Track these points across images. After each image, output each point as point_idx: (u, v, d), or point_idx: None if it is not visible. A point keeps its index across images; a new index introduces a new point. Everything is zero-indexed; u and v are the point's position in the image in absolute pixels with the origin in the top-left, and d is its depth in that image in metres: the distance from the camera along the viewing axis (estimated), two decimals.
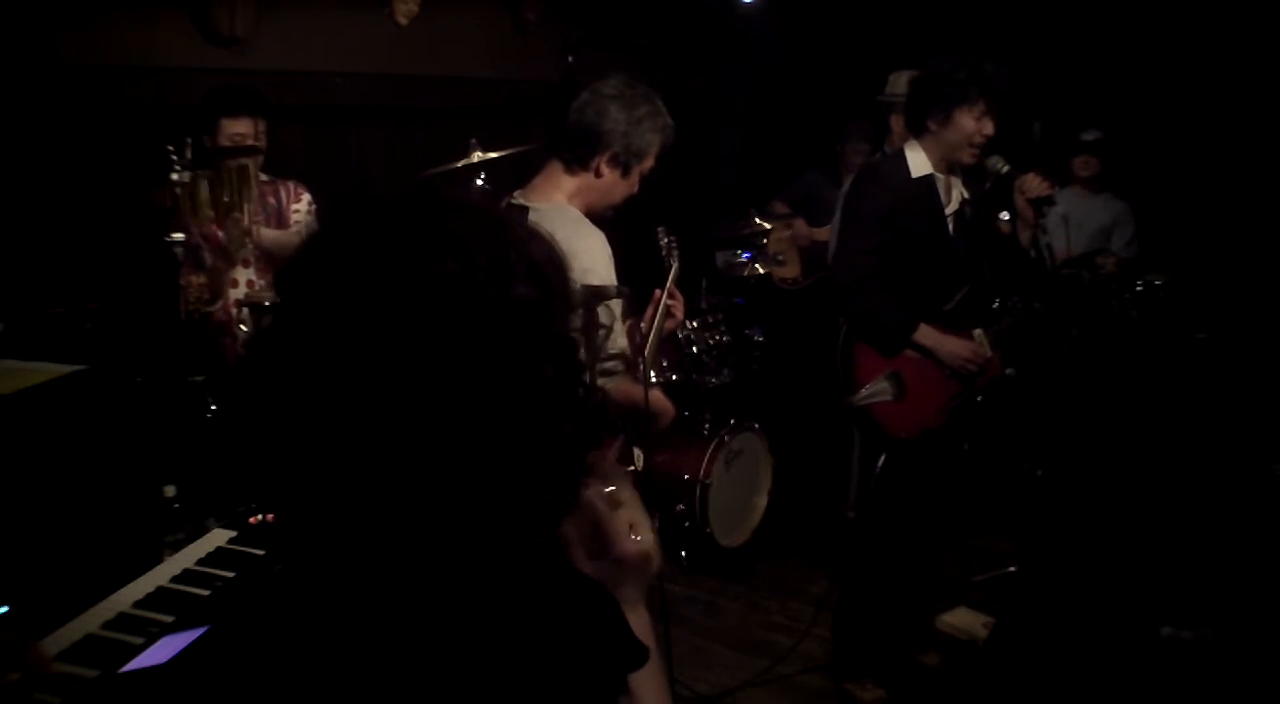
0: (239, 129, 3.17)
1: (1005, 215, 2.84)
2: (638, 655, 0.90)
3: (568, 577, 0.90)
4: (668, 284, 2.64)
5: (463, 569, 0.81)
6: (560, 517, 0.87)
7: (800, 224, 4.68)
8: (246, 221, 3.09)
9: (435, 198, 0.84)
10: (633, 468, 2.80)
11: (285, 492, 0.80)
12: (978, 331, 2.82)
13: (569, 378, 0.82)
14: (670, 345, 3.85)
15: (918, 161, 2.77)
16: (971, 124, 2.66)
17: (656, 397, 2.50)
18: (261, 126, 3.25)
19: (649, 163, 2.31)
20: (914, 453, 2.81)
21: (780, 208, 4.76)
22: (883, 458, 2.84)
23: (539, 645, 0.81)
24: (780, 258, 4.71)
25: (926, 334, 2.74)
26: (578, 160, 2.28)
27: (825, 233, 4.68)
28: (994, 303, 2.88)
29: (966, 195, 2.84)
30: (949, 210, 2.81)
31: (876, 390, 2.75)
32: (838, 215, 3.09)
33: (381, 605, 0.79)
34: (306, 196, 3.46)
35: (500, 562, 0.83)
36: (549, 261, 0.83)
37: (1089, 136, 4.22)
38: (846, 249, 2.80)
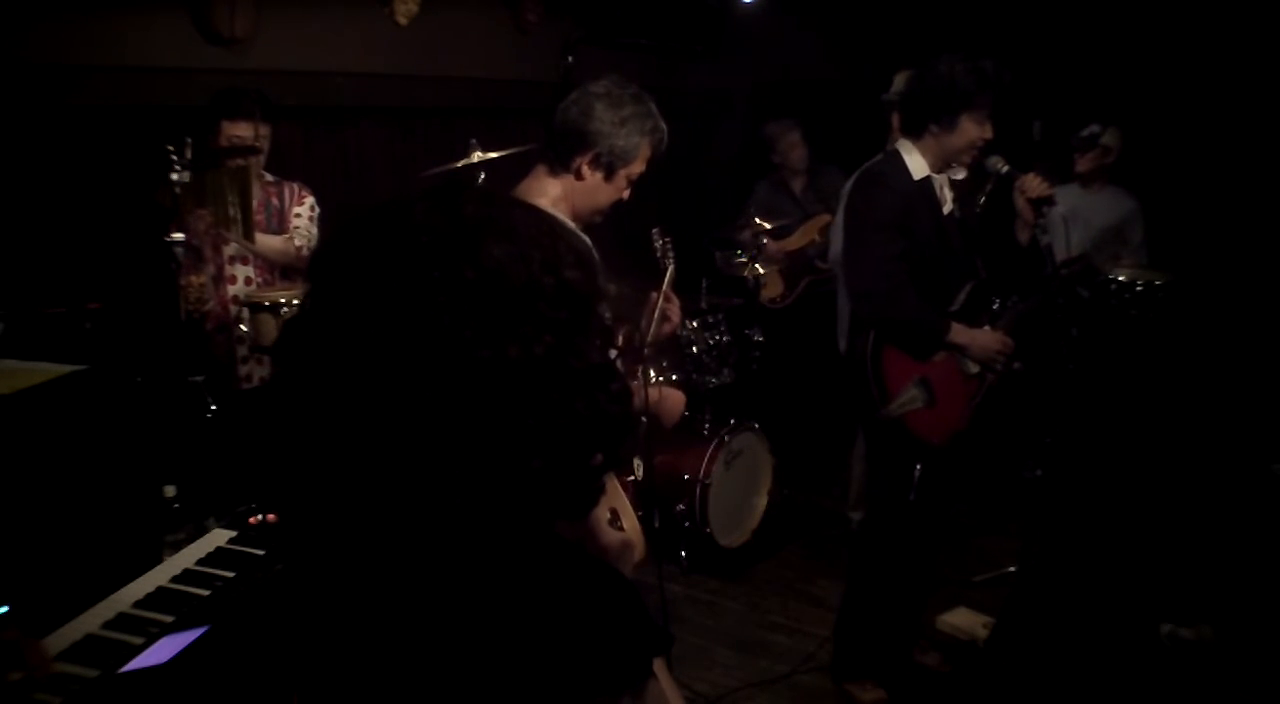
0: (238, 132, 3.18)
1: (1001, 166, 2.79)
2: (662, 641, 0.91)
3: (591, 564, 0.91)
4: (663, 288, 2.62)
5: (496, 553, 0.82)
6: (598, 498, 0.89)
7: (769, 243, 4.67)
8: (213, 217, 3.07)
9: (476, 189, 0.86)
10: (633, 478, 2.80)
11: (319, 475, 0.80)
12: (986, 328, 2.82)
13: (612, 361, 0.84)
14: (670, 345, 3.85)
15: (916, 163, 2.74)
16: (975, 130, 2.65)
17: (660, 392, 2.48)
18: (264, 130, 3.26)
19: (636, 167, 2.22)
20: (943, 458, 2.80)
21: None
22: (919, 469, 2.78)
23: (568, 632, 0.82)
24: (761, 279, 4.70)
25: (960, 332, 2.72)
26: (561, 161, 2.19)
27: (794, 242, 4.71)
28: (994, 302, 2.88)
29: (952, 193, 2.84)
30: (945, 210, 2.81)
31: (909, 399, 2.70)
32: (841, 219, 3.05)
33: (408, 591, 0.80)
34: (310, 200, 3.46)
35: (531, 547, 0.85)
36: (587, 252, 0.86)
37: (1086, 132, 4.20)
38: (873, 258, 2.68)
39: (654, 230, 2.83)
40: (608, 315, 0.89)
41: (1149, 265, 4.03)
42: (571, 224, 2.19)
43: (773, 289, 4.77)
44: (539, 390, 0.78)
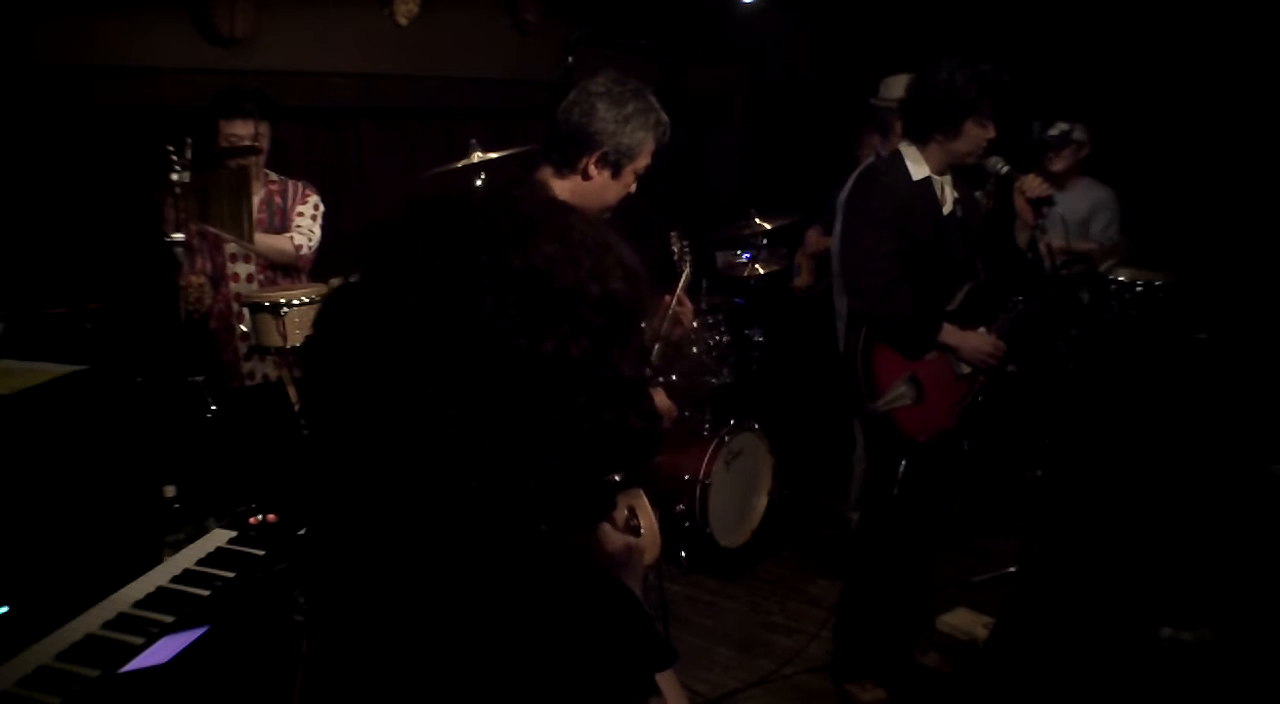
0: (236, 131, 3.18)
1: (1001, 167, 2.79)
2: (666, 655, 0.90)
3: (597, 576, 0.91)
4: (677, 290, 2.61)
5: (503, 560, 0.82)
6: (607, 514, 0.89)
7: (811, 233, 4.69)
8: (204, 216, 3.08)
9: (535, 190, 0.86)
10: None
11: (343, 445, 0.80)
12: (980, 329, 2.82)
13: (642, 377, 0.84)
14: (678, 347, 3.85)
15: (916, 165, 2.76)
16: (979, 132, 2.66)
17: (658, 398, 2.49)
18: (262, 128, 3.26)
19: (642, 161, 2.22)
20: (931, 455, 2.81)
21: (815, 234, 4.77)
22: (904, 464, 2.80)
23: (571, 645, 0.81)
24: (797, 267, 4.75)
25: (951, 333, 2.74)
26: (567, 163, 2.19)
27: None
28: (993, 302, 2.89)
29: (957, 195, 2.84)
30: (945, 211, 2.81)
31: (897, 395, 2.74)
32: (841, 219, 3.08)
33: (412, 596, 0.80)
34: (314, 199, 3.45)
35: (538, 555, 0.84)
36: (639, 269, 0.85)
37: (1055, 131, 4.16)
38: (868, 254, 2.73)
39: (672, 233, 2.83)
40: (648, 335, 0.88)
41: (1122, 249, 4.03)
42: None
43: (804, 279, 4.80)
44: (568, 391, 0.78)
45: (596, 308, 0.79)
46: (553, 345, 0.77)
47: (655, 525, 2.39)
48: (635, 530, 2.34)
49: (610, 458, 0.82)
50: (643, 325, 0.85)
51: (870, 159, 4.03)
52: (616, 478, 0.86)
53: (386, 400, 0.77)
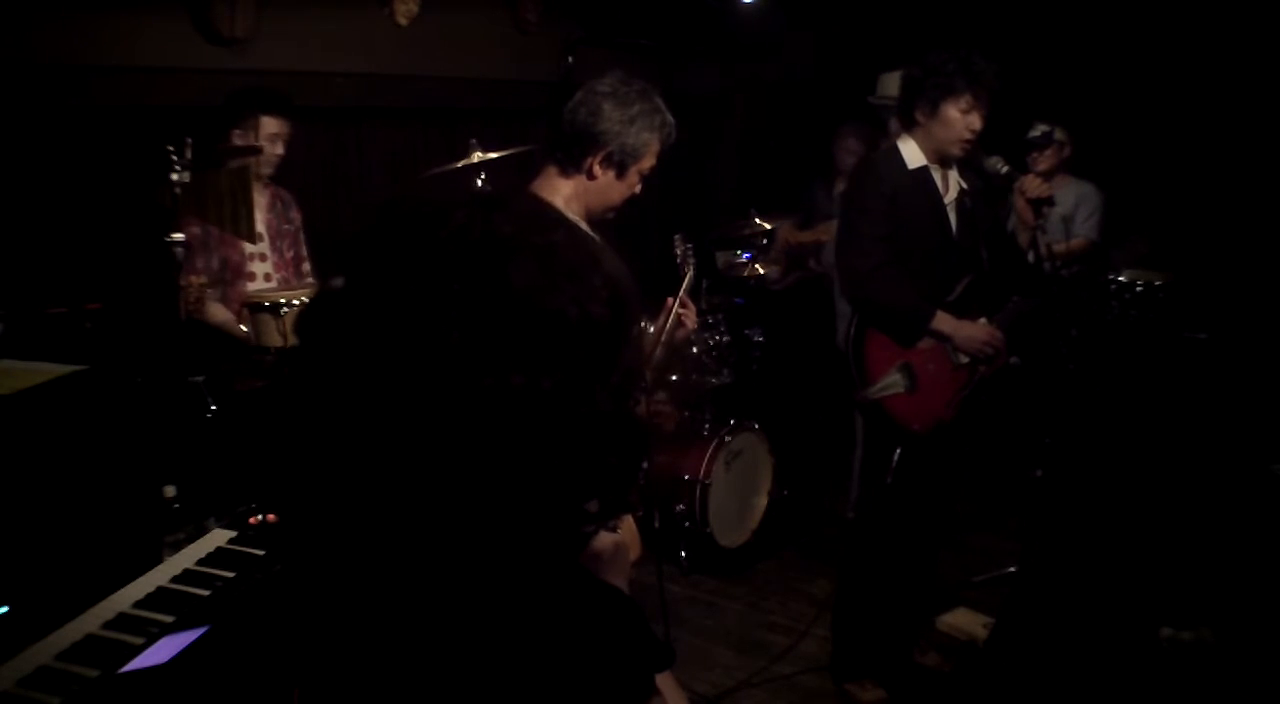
0: (274, 129, 3.21)
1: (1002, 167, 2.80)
2: (664, 657, 0.90)
3: (590, 583, 0.90)
4: (680, 293, 2.62)
5: (493, 569, 0.81)
6: (587, 542, 0.87)
7: (785, 227, 4.70)
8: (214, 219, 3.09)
9: (523, 205, 0.82)
10: None
11: (320, 477, 0.78)
12: (981, 320, 2.82)
13: (627, 405, 0.81)
14: (683, 349, 3.85)
15: (912, 154, 2.79)
16: (957, 117, 2.66)
17: (655, 405, 2.48)
18: (288, 128, 3.28)
19: (647, 162, 2.23)
20: (927, 447, 2.82)
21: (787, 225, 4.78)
22: (898, 453, 2.82)
23: (568, 650, 0.81)
24: (773, 259, 4.77)
25: (944, 321, 2.75)
26: (572, 162, 2.20)
27: (810, 235, 4.74)
28: (995, 296, 2.89)
29: (965, 186, 2.85)
30: (947, 200, 2.82)
31: (889, 383, 2.76)
32: (840, 211, 3.10)
33: (409, 602, 0.79)
34: (298, 212, 3.50)
35: (532, 571, 0.83)
36: (626, 288, 0.82)
37: (1038, 132, 4.17)
38: (858, 238, 2.77)
39: (676, 236, 2.85)
40: (635, 359, 0.84)
41: (1100, 243, 4.04)
42: (585, 225, 2.20)
43: (774, 271, 4.83)
44: (539, 429, 0.74)
45: (574, 337, 0.76)
46: (522, 379, 0.73)
47: (632, 522, 2.39)
48: (613, 529, 2.35)
49: (584, 492, 0.80)
50: (626, 351, 0.81)
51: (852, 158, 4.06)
52: (592, 509, 0.83)
53: (358, 435, 0.74)
